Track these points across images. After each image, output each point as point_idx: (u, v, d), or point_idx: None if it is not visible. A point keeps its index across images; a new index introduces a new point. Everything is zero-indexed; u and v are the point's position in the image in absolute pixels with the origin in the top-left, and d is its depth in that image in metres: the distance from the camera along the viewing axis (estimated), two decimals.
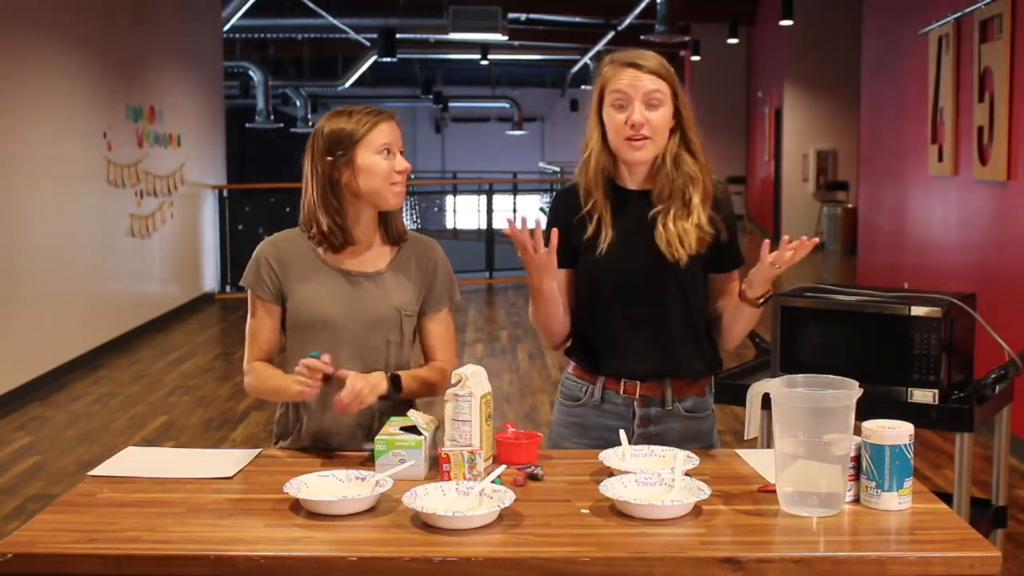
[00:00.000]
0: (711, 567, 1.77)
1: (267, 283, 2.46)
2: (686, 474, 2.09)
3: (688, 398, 2.50)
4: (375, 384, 2.32)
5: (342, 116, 2.42)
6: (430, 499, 1.96)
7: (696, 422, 2.51)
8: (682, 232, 2.38)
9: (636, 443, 2.38)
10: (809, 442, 1.95)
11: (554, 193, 2.59)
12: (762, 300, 2.40)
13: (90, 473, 2.27)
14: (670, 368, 2.47)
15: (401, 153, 2.43)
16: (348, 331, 2.43)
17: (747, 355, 3.68)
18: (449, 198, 19.26)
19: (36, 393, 6.93)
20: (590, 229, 2.43)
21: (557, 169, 20.95)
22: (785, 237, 2.29)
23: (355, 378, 2.30)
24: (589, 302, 2.48)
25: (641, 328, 2.44)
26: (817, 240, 2.31)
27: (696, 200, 2.40)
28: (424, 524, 1.91)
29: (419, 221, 17.20)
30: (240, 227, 11.38)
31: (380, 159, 2.39)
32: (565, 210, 2.48)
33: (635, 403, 2.48)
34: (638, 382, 2.47)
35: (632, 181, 2.46)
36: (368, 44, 16.65)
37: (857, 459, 2.01)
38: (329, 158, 2.39)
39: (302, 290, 2.44)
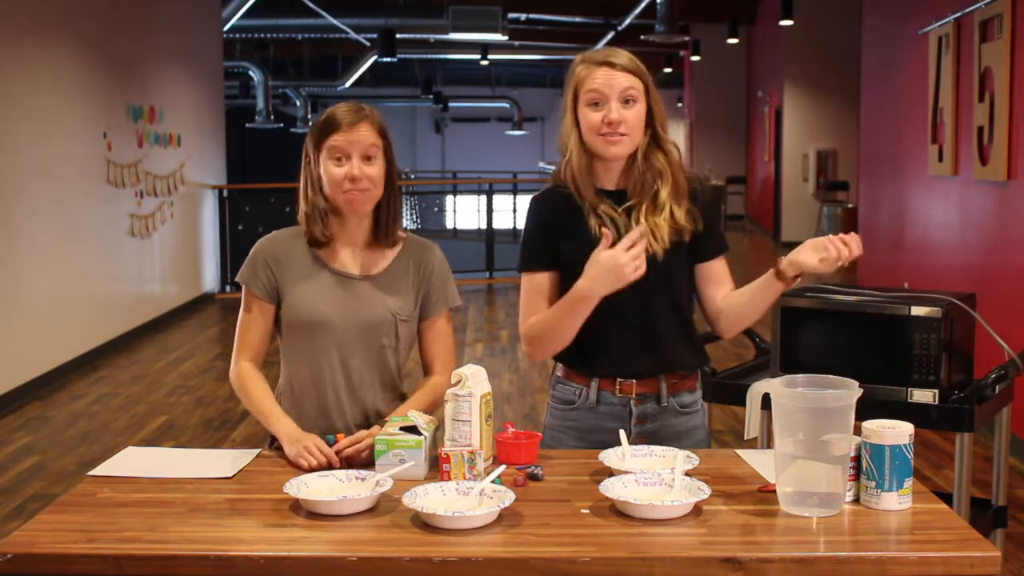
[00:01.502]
0: (711, 567, 1.77)
1: (262, 281, 2.45)
2: (686, 474, 2.09)
3: (681, 393, 2.50)
4: (371, 444, 2.29)
5: (328, 112, 2.41)
6: (430, 499, 1.96)
7: (689, 417, 2.51)
8: (654, 227, 2.38)
9: (633, 442, 2.37)
10: (809, 442, 1.95)
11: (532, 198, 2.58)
12: (798, 279, 2.37)
13: (90, 473, 2.26)
14: (664, 364, 2.47)
15: (368, 159, 2.37)
16: (342, 333, 2.42)
17: (747, 355, 3.68)
18: (449, 198, 19.26)
19: (36, 393, 6.93)
20: (575, 231, 2.42)
21: None
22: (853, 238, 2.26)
23: (351, 446, 2.28)
24: None
25: (632, 326, 2.44)
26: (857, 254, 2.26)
27: (664, 194, 2.40)
28: (424, 524, 1.91)
29: (419, 221, 17.20)
30: (240, 227, 11.38)
31: (332, 166, 2.36)
32: (548, 214, 2.48)
33: (631, 401, 2.47)
34: (634, 381, 2.47)
35: (608, 181, 2.46)
36: (368, 44, 16.65)
37: (857, 459, 2.01)
38: (307, 156, 2.41)
39: (298, 290, 2.43)
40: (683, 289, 2.48)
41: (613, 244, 2.26)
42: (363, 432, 2.32)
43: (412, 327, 2.49)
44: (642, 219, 2.39)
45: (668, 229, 2.39)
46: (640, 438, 2.43)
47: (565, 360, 2.53)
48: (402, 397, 2.51)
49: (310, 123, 18.73)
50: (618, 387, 2.47)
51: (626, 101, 2.37)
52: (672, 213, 2.40)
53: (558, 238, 2.45)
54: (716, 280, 2.49)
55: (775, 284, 2.37)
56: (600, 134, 2.37)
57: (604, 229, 2.29)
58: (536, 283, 2.46)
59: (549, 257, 2.46)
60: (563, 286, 2.44)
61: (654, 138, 2.43)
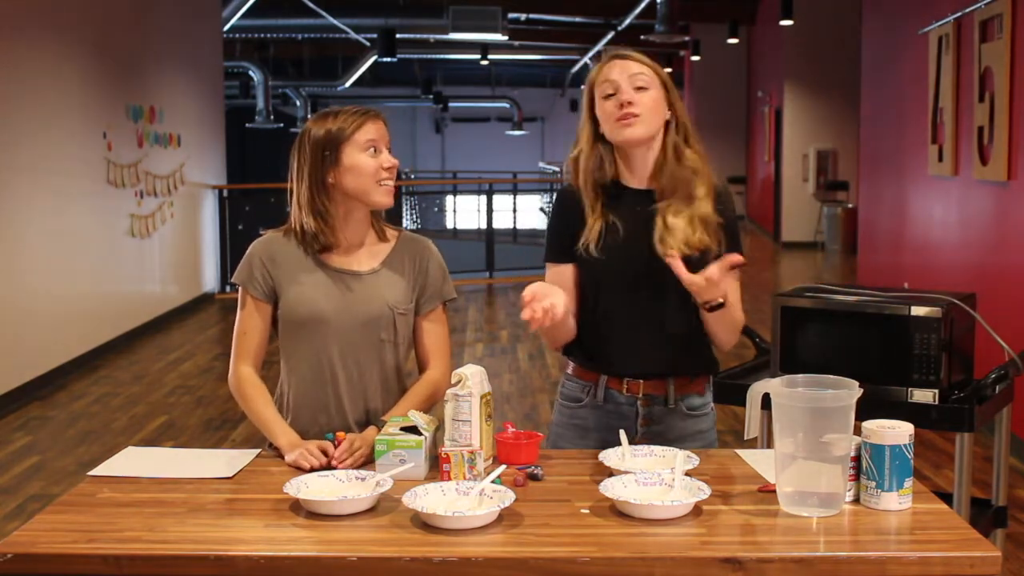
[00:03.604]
0: (711, 567, 1.77)
1: (259, 281, 2.46)
2: (686, 474, 2.09)
3: (689, 396, 2.50)
4: (370, 442, 2.28)
5: (328, 117, 2.42)
6: (430, 499, 1.96)
7: (697, 420, 2.51)
8: (678, 228, 2.37)
9: (639, 442, 2.37)
10: (809, 442, 1.95)
11: (554, 193, 2.61)
12: (711, 307, 2.33)
13: (90, 473, 2.27)
14: (673, 366, 2.47)
15: (388, 150, 2.43)
16: (341, 329, 2.42)
17: (747, 355, 3.68)
18: (449, 198, 19.28)
19: (36, 393, 6.93)
20: (588, 228, 2.43)
21: (557, 169, 20.95)
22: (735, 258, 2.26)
23: (350, 444, 2.28)
24: (591, 301, 2.48)
25: (643, 326, 2.44)
26: (739, 259, 2.25)
27: (701, 193, 2.39)
28: (424, 524, 1.91)
29: (419, 221, 17.21)
30: (240, 227, 11.38)
31: (366, 157, 2.39)
32: (568, 208, 2.49)
33: (638, 402, 2.47)
34: (641, 381, 2.47)
35: (636, 180, 2.46)
36: (368, 44, 16.66)
37: (857, 459, 2.01)
38: (316, 160, 2.40)
39: (295, 288, 2.44)
40: None
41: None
42: (353, 435, 2.31)
43: (409, 321, 2.50)
44: (669, 218, 2.38)
45: (697, 230, 2.38)
46: (646, 439, 2.43)
47: (575, 357, 2.54)
48: (403, 394, 2.51)
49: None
50: (625, 386, 2.47)
51: (638, 86, 2.38)
52: (704, 214, 2.38)
53: (574, 232, 2.46)
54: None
55: (705, 313, 2.37)
56: (616, 120, 2.38)
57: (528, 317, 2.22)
58: (556, 274, 2.48)
59: (568, 250, 2.47)
60: (580, 279, 2.46)
61: (682, 135, 2.42)
